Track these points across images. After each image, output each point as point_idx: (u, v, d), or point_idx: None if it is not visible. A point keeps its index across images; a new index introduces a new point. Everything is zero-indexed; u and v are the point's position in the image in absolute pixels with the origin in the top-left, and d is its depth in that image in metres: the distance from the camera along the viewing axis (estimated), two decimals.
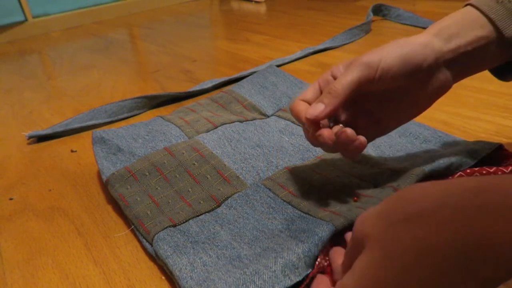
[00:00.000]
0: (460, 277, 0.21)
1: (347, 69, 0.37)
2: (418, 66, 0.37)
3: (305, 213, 0.39)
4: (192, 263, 0.36)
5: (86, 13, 1.59)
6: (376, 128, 0.40)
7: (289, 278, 0.32)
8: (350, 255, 0.28)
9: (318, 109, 0.36)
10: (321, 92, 0.38)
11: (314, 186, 0.43)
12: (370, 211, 0.27)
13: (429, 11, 1.15)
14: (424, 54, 0.37)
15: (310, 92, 0.39)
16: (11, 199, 0.53)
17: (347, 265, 0.28)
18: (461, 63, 0.38)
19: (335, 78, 0.38)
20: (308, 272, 0.33)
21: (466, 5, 0.40)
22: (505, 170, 0.40)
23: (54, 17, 1.54)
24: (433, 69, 0.37)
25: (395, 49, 0.37)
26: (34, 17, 1.50)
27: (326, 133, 0.36)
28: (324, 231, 0.35)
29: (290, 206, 0.41)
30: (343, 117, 0.40)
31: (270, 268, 0.33)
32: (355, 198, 0.40)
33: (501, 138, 0.52)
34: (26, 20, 1.48)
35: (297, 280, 0.32)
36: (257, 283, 0.32)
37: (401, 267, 0.23)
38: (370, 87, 0.37)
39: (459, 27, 0.38)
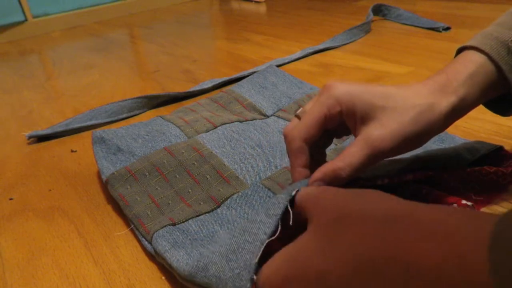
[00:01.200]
0: None
1: (359, 148, 0.33)
2: (422, 138, 0.34)
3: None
4: (189, 253, 0.36)
5: (86, 13, 1.59)
6: None
7: (274, 216, 0.31)
8: (303, 206, 0.30)
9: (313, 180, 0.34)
10: (325, 125, 0.35)
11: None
12: (329, 191, 0.29)
13: (429, 11, 1.15)
14: (430, 123, 0.33)
15: (313, 129, 0.35)
16: (11, 199, 0.53)
17: (299, 208, 0.30)
18: (465, 112, 0.36)
19: (342, 118, 0.35)
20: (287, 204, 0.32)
21: (472, 48, 0.35)
22: (505, 170, 0.40)
23: (54, 17, 1.54)
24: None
25: (397, 125, 0.32)
26: (34, 17, 1.50)
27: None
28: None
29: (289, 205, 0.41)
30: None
31: (255, 220, 0.32)
32: None
33: (501, 138, 0.52)
34: (26, 20, 1.48)
35: (281, 210, 0.31)
36: (249, 239, 0.31)
37: (340, 265, 0.24)
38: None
39: (471, 84, 0.34)
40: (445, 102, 0.33)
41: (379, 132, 0.32)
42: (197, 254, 0.35)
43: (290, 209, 0.31)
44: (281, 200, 0.32)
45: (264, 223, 0.31)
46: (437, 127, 0.33)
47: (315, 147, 0.37)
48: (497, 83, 0.34)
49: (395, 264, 0.22)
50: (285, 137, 0.36)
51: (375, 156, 0.33)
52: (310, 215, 0.28)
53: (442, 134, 0.49)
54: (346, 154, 0.33)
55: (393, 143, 0.32)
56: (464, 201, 0.37)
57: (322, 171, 0.33)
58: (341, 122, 0.35)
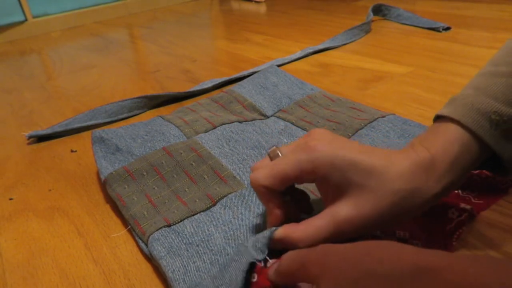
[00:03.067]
0: None
1: (323, 224, 0.31)
2: (398, 220, 0.32)
3: (299, 220, 0.39)
4: (186, 266, 0.36)
5: (86, 13, 1.59)
6: None
7: (260, 251, 0.31)
8: (295, 277, 0.28)
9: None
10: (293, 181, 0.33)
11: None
12: (330, 248, 0.26)
13: (429, 11, 1.15)
14: (410, 208, 0.31)
15: (278, 181, 0.33)
16: (11, 199, 0.53)
17: (288, 283, 0.28)
18: (452, 190, 0.33)
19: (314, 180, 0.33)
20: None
21: (456, 122, 0.33)
22: None
23: (54, 17, 1.54)
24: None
25: (371, 210, 0.30)
26: (34, 17, 1.50)
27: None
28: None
29: None
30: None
31: (247, 246, 0.32)
32: None
33: None
34: (26, 20, 1.48)
35: (265, 252, 0.31)
36: (235, 258, 0.32)
37: None
38: None
39: (456, 168, 0.32)
40: (428, 190, 0.31)
41: (348, 213, 0.31)
42: (193, 268, 0.35)
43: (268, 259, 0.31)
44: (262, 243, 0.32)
45: (249, 252, 0.31)
46: (416, 210, 0.31)
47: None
48: (482, 157, 0.33)
49: None
50: (250, 179, 0.35)
51: (338, 235, 0.31)
52: (316, 278, 0.26)
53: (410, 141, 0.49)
54: (310, 225, 0.32)
55: (359, 226, 0.31)
56: (463, 205, 0.37)
57: (281, 235, 0.32)
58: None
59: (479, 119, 0.32)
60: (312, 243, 0.31)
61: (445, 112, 0.33)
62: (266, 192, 0.34)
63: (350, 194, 0.31)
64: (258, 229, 0.39)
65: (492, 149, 0.32)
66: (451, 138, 0.32)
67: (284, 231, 0.32)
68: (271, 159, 0.35)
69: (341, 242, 0.28)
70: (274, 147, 0.36)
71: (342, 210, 0.31)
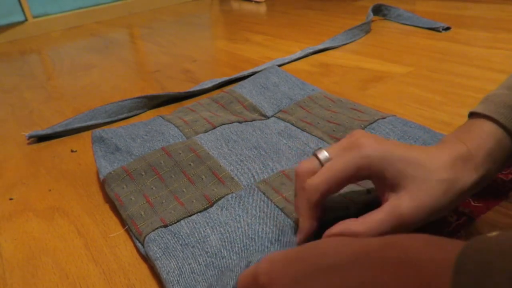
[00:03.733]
0: None
1: (386, 216, 0.32)
2: (444, 212, 0.33)
3: (297, 224, 0.39)
4: (180, 267, 0.36)
5: (86, 13, 1.59)
6: None
7: None
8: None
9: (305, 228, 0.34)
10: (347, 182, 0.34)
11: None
12: (277, 255, 0.27)
13: (429, 11, 1.15)
14: (453, 198, 0.32)
15: (336, 185, 0.34)
16: (11, 199, 0.53)
17: None
18: (488, 180, 0.35)
19: (369, 177, 0.34)
20: None
21: (490, 118, 0.35)
22: (505, 178, 0.40)
23: (54, 17, 1.54)
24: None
25: (428, 198, 0.32)
26: (34, 17, 1.50)
27: None
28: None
29: (282, 213, 0.40)
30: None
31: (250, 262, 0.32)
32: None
33: None
34: (26, 20, 1.48)
35: None
36: (234, 270, 0.32)
37: None
38: None
39: (491, 160, 0.33)
40: (468, 179, 0.33)
41: (408, 204, 0.32)
42: (188, 270, 0.35)
43: None
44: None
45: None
46: (459, 198, 0.33)
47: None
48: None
49: None
50: (305, 185, 0.34)
51: (400, 227, 0.32)
52: (265, 286, 0.26)
53: (442, 137, 0.49)
54: (370, 219, 0.32)
55: (420, 216, 0.32)
56: (461, 208, 0.37)
57: (340, 229, 0.33)
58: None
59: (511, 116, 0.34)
60: (373, 236, 0.31)
61: (479, 109, 0.35)
62: (319, 200, 0.33)
63: (405, 187, 0.32)
64: (255, 233, 0.39)
65: None
66: (485, 133, 0.34)
67: (343, 226, 0.33)
68: (321, 161, 0.35)
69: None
70: (321, 148, 0.36)
71: (403, 202, 0.32)
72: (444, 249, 0.21)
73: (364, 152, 0.33)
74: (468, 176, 0.33)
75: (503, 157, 0.34)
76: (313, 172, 0.35)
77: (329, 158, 0.35)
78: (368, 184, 0.41)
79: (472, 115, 0.36)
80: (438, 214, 0.33)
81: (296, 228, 0.38)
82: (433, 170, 0.32)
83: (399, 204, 0.32)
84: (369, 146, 0.33)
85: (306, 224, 0.34)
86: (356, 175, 0.33)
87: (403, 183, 0.32)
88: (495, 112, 0.34)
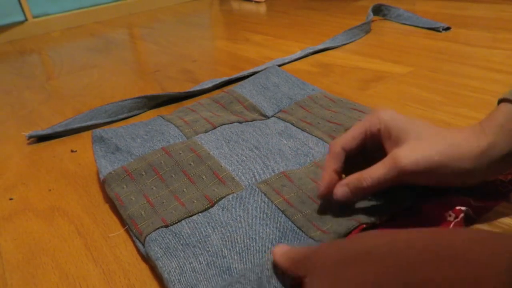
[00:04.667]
0: None
1: (385, 164, 0.35)
2: (448, 173, 0.34)
3: (298, 227, 0.39)
4: (182, 267, 0.36)
5: (86, 13, 1.59)
6: None
7: (273, 285, 0.31)
8: (297, 266, 0.29)
9: (343, 193, 0.37)
10: (364, 140, 0.38)
11: (309, 196, 0.42)
12: (331, 242, 0.29)
13: (429, 11, 1.15)
14: (457, 158, 0.34)
15: (353, 139, 0.38)
16: (11, 199, 0.53)
17: (289, 270, 0.30)
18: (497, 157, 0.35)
19: (381, 138, 0.37)
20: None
21: (508, 100, 0.36)
22: (504, 179, 0.40)
23: (54, 17, 1.54)
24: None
25: (425, 151, 0.34)
26: (34, 17, 1.50)
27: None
28: None
29: (283, 216, 0.40)
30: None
31: (257, 274, 0.32)
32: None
33: None
34: (26, 20, 1.48)
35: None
36: (242, 282, 0.32)
37: None
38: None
39: (502, 131, 0.34)
40: (475, 143, 0.34)
41: (406, 153, 0.34)
42: (189, 269, 0.35)
43: None
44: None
45: (261, 282, 0.31)
46: (464, 166, 0.34)
47: (351, 163, 0.39)
48: None
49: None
50: (331, 143, 0.39)
51: (398, 174, 0.34)
52: (305, 269, 0.28)
53: None
54: (372, 167, 0.36)
55: (417, 166, 0.33)
56: (458, 207, 0.37)
57: (348, 178, 0.37)
58: (378, 145, 0.38)
59: None
60: (374, 181, 0.35)
61: (503, 95, 0.37)
62: (340, 153, 0.38)
63: (407, 141, 0.35)
64: (256, 233, 0.39)
65: None
66: (499, 110, 0.35)
67: (349, 176, 0.37)
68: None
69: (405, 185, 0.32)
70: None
71: (402, 152, 0.34)
72: (495, 245, 0.20)
73: (377, 113, 0.37)
74: (476, 141, 0.34)
75: None
76: None
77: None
78: None
79: (500, 102, 0.37)
80: (441, 172, 0.34)
81: (298, 232, 0.38)
82: (440, 132, 0.35)
83: (399, 154, 0.34)
84: (385, 110, 0.37)
85: (326, 174, 0.38)
86: (369, 131, 0.37)
87: (406, 138, 0.35)
88: (510, 94, 0.35)
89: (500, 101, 0.37)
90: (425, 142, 0.34)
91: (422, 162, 0.33)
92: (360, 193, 0.36)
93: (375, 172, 0.35)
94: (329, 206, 0.41)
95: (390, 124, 0.36)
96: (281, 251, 0.31)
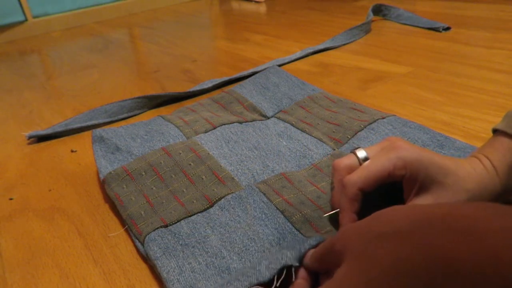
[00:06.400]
0: None
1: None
2: None
3: (296, 229, 0.39)
4: (181, 267, 0.36)
5: (86, 13, 1.59)
6: None
7: (272, 269, 0.32)
8: (326, 261, 0.31)
9: None
10: (384, 181, 0.36)
11: (308, 198, 0.42)
12: (351, 225, 0.29)
13: (429, 11, 1.15)
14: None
15: (373, 181, 0.36)
16: (11, 199, 0.53)
17: (322, 268, 0.31)
18: (508, 195, 0.37)
19: (402, 180, 0.36)
20: (289, 265, 0.32)
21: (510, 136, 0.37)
22: None
23: (54, 17, 1.54)
24: None
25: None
26: (34, 17, 1.50)
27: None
28: (309, 244, 0.35)
29: (282, 216, 0.40)
30: None
31: (255, 268, 0.32)
32: None
33: None
34: (26, 20, 1.48)
35: (279, 267, 0.32)
36: (240, 278, 0.32)
37: (378, 282, 0.24)
38: None
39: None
40: (494, 188, 0.35)
41: (428, 203, 0.33)
42: (188, 269, 0.35)
43: (293, 270, 0.32)
44: (286, 259, 0.32)
45: (260, 273, 0.32)
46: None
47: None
48: None
49: (434, 265, 0.22)
50: (345, 180, 0.36)
51: None
52: (341, 255, 0.29)
53: (441, 139, 0.49)
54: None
55: None
56: None
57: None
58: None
59: None
60: None
61: (499, 126, 0.38)
62: (358, 194, 0.35)
63: (430, 190, 0.34)
64: (255, 234, 0.39)
65: None
66: (505, 149, 0.36)
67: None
68: (359, 159, 0.37)
69: None
70: (360, 147, 0.38)
71: (421, 202, 0.34)
72: (507, 216, 0.21)
73: (401, 153, 0.35)
74: (493, 186, 0.35)
75: None
76: (351, 169, 0.37)
77: (367, 157, 0.37)
78: None
79: (495, 131, 0.39)
80: None
81: (297, 234, 0.38)
82: (461, 179, 0.34)
83: (418, 203, 0.34)
84: (406, 149, 0.35)
85: (346, 217, 0.36)
86: (392, 174, 0.35)
87: (431, 187, 0.34)
88: (507, 127, 0.37)
89: (496, 131, 0.38)
90: (448, 193, 0.34)
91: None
92: None
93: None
94: (328, 207, 0.41)
95: (416, 171, 0.35)
96: (308, 254, 0.33)
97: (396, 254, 0.24)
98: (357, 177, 0.36)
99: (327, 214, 0.39)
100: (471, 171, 0.35)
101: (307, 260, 0.33)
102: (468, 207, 0.24)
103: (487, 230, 0.21)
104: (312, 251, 0.33)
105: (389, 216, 0.27)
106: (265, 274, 0.32)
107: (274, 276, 0.32)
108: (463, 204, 0.25)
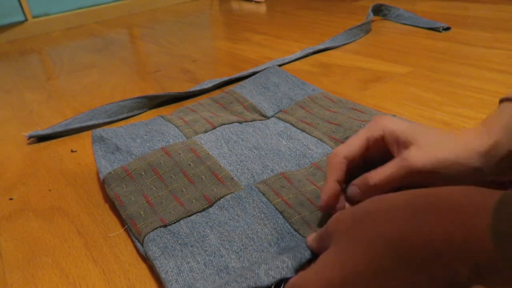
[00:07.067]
0: (423, 273, 0.24)
1: (392, 165, 0.36)
2: (457, 172, 0.34)
3: (295, 230, 0.39)
4: (179, 266, 0.36)
5: (86, 13, 1.59)
6: None
7: (272, 276, 0.32)
8: (322, 242, 0.33)
9: (352, 192, 0.38)
10: (367, 149, 0.38)
11: (308, 198, 0.42)
12: (345, 210, 0.32)
13: (429, 11, 1.15)
14: (463, 157, 0.34)
15: (356, 145, 0.38)
16: (11, 199, 0.53)
17: (320, 250, 0.32)
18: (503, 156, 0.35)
19: (385, 144, 0.38)
20: (289, 276, 0.33)
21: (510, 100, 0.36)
22: (504, 180, 0.40)
23: (54, 17, 1.54)
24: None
25: (433, 149, 0.35)
26: (34, 17, 1.50)
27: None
28: (309, 253, 0.35)
29: (281, 217, 0.40)
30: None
31: (254, 271, 0.33)
32: None
33: None
34: (26, 20, 1.48)
35: (279, 278, 0.32)
36: (238, 281, 0.32)
37: (364, 257, 0.26)
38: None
39: (506, 131, 0.34)
40: (480, 142, 0.34)
41: (416, 153, 0.34)
42: (187, 269, 0.35)
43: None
44: (286, 270, 0.33)
45: (259, 277, 0.32)
46: (472, 164, 0.34)
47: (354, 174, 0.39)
48: None
49: (402, 242, 0.24)
50: (333, 152, 0.39)
51: (406, 173, 0.35)
52: (327, 242, 0.31)
53: None
54: (382, 171, 0.36)
55: (424, 165, 0.34)
56: None
57: (360, 180, 0.37)
58: (383, 153, 0.38)
59: None
60: (382, 179, 0.35)
61: (507, 95, 0.37)
62: (342, 162, 0.38)
63: (416, 141, 0.35)
64: (254, 232, 0.39)
65: None
66: (502, 111, 0.35)
67: (363, 178, 0.37)
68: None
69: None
70: None
71: (411, 153, 0.35)
72: (483, 195, 0.23)
73: (378, 120, 0.38)
74: (479, 139, 0.34)
75: None
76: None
77: None
78: None
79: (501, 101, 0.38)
80: (449, 170, 0.34)
81: (295, 235, 0.39)
82: (445, 133, 0.36)
83: (407, 155, 0.35)
84: (385, 117, 0.38)
85: (328, 184, 0.37)
86: (372, 138, 0.37)
87: (414, 141, 0.35)
88: None
89: (502, 100, 0.37)
90: (433, 143, 0.35)
91: (430, 162, 0.34)
92: (369, 191, 0.36)
93: (383, 171, 0.36)
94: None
95: (395, 129, 0.36)
96: (311, 237, 0.35)
97: (374, 229, 0.26)
98: (341, 148, 0.38)
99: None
100: (455, 131, 0.37)
101: (309, 242, 0.35)
102: (439, 189, 0.26)
103: (458, 206, 0.23)
104: (314, 234, 0.35)
105: (377, 199, 0.29)
106: (264, 280, 0.32)
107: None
108: (434, 189, 0.26)
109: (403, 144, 0.36)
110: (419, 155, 0.34)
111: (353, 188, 0.38)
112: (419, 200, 0.26)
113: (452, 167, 0.34)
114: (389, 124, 0.37)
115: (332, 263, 0.28)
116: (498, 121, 0.35)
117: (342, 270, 0.27)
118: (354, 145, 0.38)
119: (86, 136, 0.67)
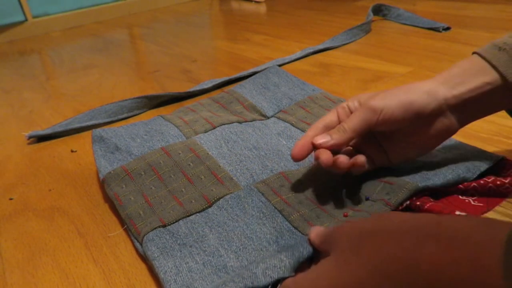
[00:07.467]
0: None
1: (356, 110, 0.40)
2: (420, 113, 0.39)
3: (294, 227, 0.39)
4: (178, 266, 0.36)
5: (86, 13, 1.59)
6: (382, 158, 0.43)
7: (269, 276, 0.32)
8: (323, 244, 0.33)
9: (324, 139, 0.40)
10: (338, 118, 0.43)
11: (307, 197, 0.42)
12: (351, 221, 0.32)
13: (429, 11, 1.15)
14: (426, 101, 0.39)
15: (329, 117, 0.43)
16: (11, 199, 0.53)
17: (320, 249, 0.34)
18: (467, 108, 0.40)
19: (350, 110, 0.42)
20: (287, 276, 0.33)
21: (473, 53, 0.41)
22: (504, 180, 0.40)
23: (54, 17, 1.54)
24: (436, 115, 0.39)
25: (398, 96, 0.39)
26: (34, 17, 1.50)
27: (325, 157, 0.40)
28: (308, 251, 0.35)
29: (281, 215, 0.40)
30: (355, 142, 0.44)
31: (251, 270, 0.33)
32: (345, 214, 0.40)
33: (501, 138, 0.52)
34: (26, 20, 1.48)
35: (276, 277, 0.32)
36: (236, 280, 0.32)
37: (367, 277, 0.26)
38: (374, 128, 0.40)
39: (465, 75, 0.39)
40: (431, 84, 0.39)
41: (375, 99, 0.39)
42: (185, 269, 0.35)
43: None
44: (284, 269, 0.33)
45: (256, 276, 0.32)
46: (432, 107, 0.38)
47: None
48: (489, 76, 0.39)
49: (411, 268, 0.24)
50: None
51: (371, 116, 0.39)
52: (329, 246, 0.31)
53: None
54: (349, 119, 0.40)
55: (384, 104, 0.38)
56: (458, 212, 0.37)
57: (322, 140, 0.41)
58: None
59: (490, 48, 0.41)
60: (358, 131, 0.39)
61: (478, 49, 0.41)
62: (319, 127, 0.42)
63: (377, 95, 0.40)
64: (253, 232, 0.39)
65: (499, 70, 0.38)
66: (465, 61, 0.40)
67: (324, 138, 0.40)
68: None
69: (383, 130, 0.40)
70: None
71: (371, 100, 0.39)
72: (494, 228, 0.22)
73: (367, 104, 0.40)
74: (431, 83, 0.39)
75: (477, 75, 0.39)
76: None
77: None
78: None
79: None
80: (410, 113, 0.38)
81: (295, 232, 0.39)
82: (410, 84, 0.40)
83: (370, 101, 0.39)
84: (372, 99, 0.40)
85: (302, 139, 0.42)
86: (339, 109, 0.42)
87: (374, 95, 0.40)
88: (481, 50, 0.40)
89: (473, 53, 0.41)
90: (389, 93, 0.39)
91: (389, 103, 0.38)
92: (341, 138, 0.39)
93: (352, 117, 0.40)
94: (327, 206, 0.41)
95: (358, 96, 0.42)
96: (316, 231, 0.35)
97: (379, 248, 0.26)
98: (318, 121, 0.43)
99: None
100: (422, 81, 0.40)
101: (311, 234, 0.35)
102: (449, 217, 0.25)
103: (469, 239, 0.22)
104: (319, 229, 0.35)
105: (382, 217, 0.29)
106: (261, 279, 0.32)
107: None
108: (443, 216, 0.26)
109: (365, 103, 0.40)
110: (379, 99, 0.39)
111: (324, 136, 0.41)
112: (429, 228, 0.25)
113: (406, 107, 0.38)
114: (351, 98, 0.42)
115: (329, 276, 0.28)
116: (458, 68, 0.40)
117: (338, 285, 0.27)
118: (326, 117, 0.43)
119: (86, 136, 0.67)
